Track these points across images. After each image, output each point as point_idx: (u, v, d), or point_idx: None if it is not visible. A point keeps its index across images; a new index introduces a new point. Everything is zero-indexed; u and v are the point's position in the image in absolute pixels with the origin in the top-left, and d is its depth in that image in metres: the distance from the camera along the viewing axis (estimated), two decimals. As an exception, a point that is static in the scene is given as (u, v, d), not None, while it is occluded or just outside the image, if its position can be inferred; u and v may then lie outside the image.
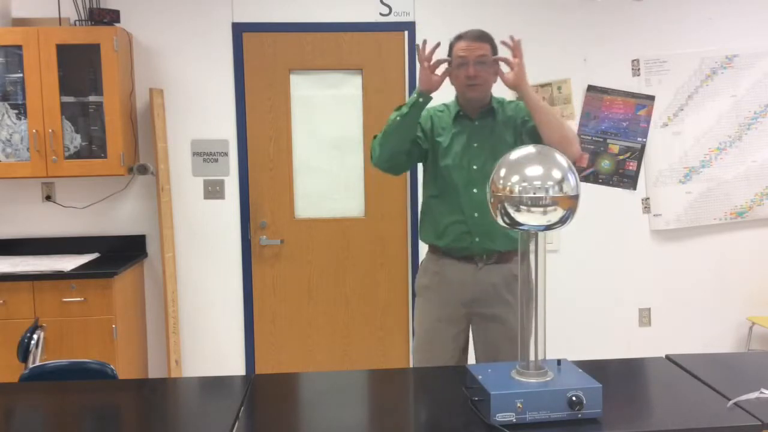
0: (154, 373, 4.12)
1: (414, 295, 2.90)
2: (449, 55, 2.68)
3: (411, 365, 2.84)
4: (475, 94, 2.65)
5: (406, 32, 4.09)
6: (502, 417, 1.69)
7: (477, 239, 2.64)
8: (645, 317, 4.37)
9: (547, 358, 1.85)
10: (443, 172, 2.68)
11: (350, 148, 4.15)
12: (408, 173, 4.09)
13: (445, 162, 2.68)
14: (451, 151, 2.68)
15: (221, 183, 4.10)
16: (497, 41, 2.68)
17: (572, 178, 1.76)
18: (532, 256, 1.82)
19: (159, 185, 3.92)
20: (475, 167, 2.65)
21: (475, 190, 2.64)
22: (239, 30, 4.04)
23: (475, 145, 2.67)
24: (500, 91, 2.72)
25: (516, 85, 2.57)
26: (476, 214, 2.63)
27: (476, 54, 2.59)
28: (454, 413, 1.83)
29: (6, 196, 4.01)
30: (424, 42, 2.59)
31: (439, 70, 2.62)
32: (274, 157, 4.12)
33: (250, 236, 4.14)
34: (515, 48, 2.57)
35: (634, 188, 4.27)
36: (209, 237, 4.11)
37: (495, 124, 2.69)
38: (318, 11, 4.05)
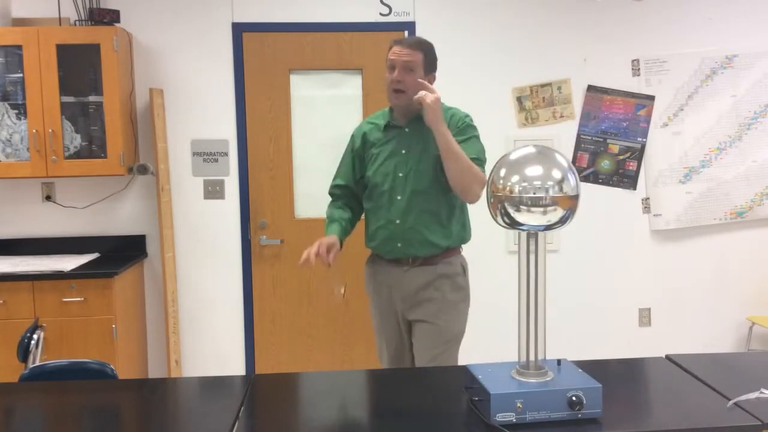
0: (154, 373, 4.12)
1: None
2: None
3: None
4: (398, 101, 2.66)
5: (406, 32, 4.09)
6: (502, 417, 1.69)
7: (399, 245, 2.70)
8: (645, 317, 4.37)
9: (547, 358, 1.85)
10: (373, 179, 2.74)
11: (350, 148, 4.15)
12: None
13: (373, 169, 2.74)
14: (380, 158, 2.73)
15: (221, 183, 4.10)
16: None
17: (572, 178, 1.76)
18: (532, 256, 1.82)
19: (159, 185, 3.92)
20: (400, 174, 2.69)
21: (398, 197, 2.68)
22: (239, 30, 4.04)
23: (403, 151, 2.70)
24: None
25: (428, 122, 2.56)
26: (398, 221, 2.68)
27: (403, 59, 2.62)
28: (454, 413, 1.83)
29: (6, 196, 4.01)
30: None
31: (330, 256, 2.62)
32: (274, 157, 4.12)
33: (250, 236, 4.14)
34: (426, 87, 2.59)
35: (634, 188, 4.27)
36: (209, 237, 4.11)
37: (425, 130, 2.63)
38: (318, 11, 4.05)
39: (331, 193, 2.93)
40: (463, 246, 2.84)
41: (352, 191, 2.86)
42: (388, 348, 2.85)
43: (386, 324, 2.84)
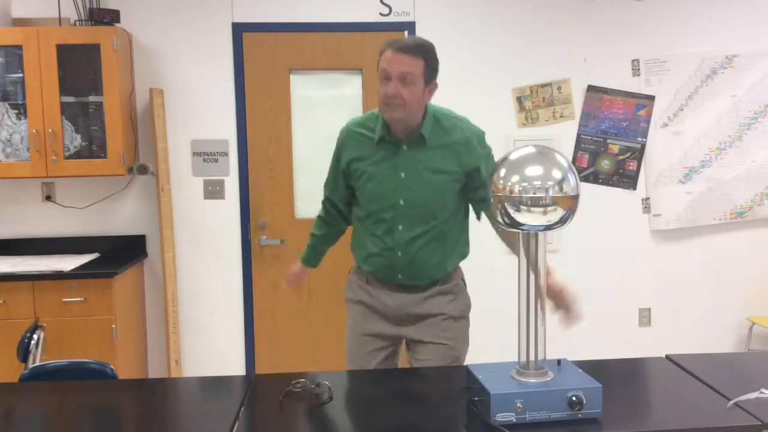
0: (154, 373, 4.12)
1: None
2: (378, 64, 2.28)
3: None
4: (392, 115, 2.24)
5: (406, 32, 4.08)
6: (502, 417, 1.69)
7: (400, 276, 2.39)
8: (645, 317, 4.37)
9: (547, 358, 1.85)
10: (367, 205, 2.38)
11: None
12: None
13: (369, 190, 2.36)
14: (375, 179, 2.34)
15: (221, 183, 4.10)
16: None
17: (572, 178, 1.76)
18: (532, 256, 1.82)
19: (159, 185, 3.92)
20: (401, 202, 2.32)
21: (400, 227, 2.33)
22: (239, 30, 4.04)
23: (402, 175, 2.31)
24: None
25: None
26: (400, 254, 2.35)
27: (400, 71, 2.19)
28: (454, 413, 1.83)
29: (6, 196, 4.01)
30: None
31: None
32: (274, 157, 4.12)
33: (250, 236, 4.14)
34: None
35: (634, 188, 4.27)
36: (209, 237, 4.11)
37: (428, 150, 2.31)
38: (318, 11, 4.05)
39: (325, 187, 2.63)
40: None
41: (337, 207, 2.59)
42: (364, 362, 2.49)
43: (367, 341, 2.48)
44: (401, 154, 2.32)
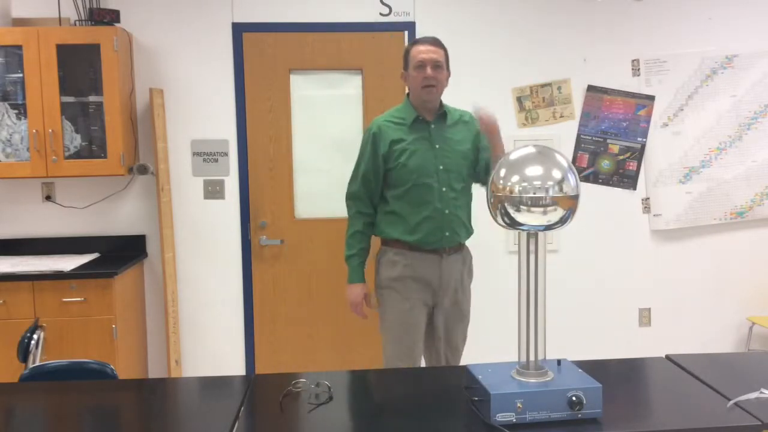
0: (154, 373, 4.12)
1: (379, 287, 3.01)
2: (405, 61, 2.90)
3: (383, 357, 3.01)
4: (430, 96, 2.84)
5: (406, 32, 4.09)
6: (502, 417, 1.69)
7: (447, 233, 2.87)
8: (645, 317, 4.37)
9: (547, 358, 1.85)
10: (411, 175, 2.84)
11: (350, 148, 4.12)
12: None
13: (413, 164, 2.84)
14: (417, 153, 2.84)
15: (221, 183, 4.10)
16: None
17: (572, 178, 1.76)
18: (532, 256, 1.82)
19: (159, 185, 3.92)
20: (441, 167, 2.85)
21: (444, 189, 2.86)
22: (239, 30, 4.04)
23: (437, 146, 2.87)
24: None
25: (488, 131, 2.84)
26: (447, 211, 2.86)
27: (433, 58, 2.81)
28: (454, 413, 1.83)
29: (6, 196, 4.01)
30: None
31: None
32: (274, 157, 4.12)
33: (250, 236, 4.14)
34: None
35: (634, 188, 4.27)
36: (209, 237, 4.11)
37: (449, 127, 2.91)
38: (318, 11, 4.05)
39: (353, 196, 2.97)
40: None
41: (371, 203, 2.96)
42: (416, 344, 2.91)
43: (418, 319, 2.91)
44: (432, 131, 2.88)
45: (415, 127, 2.88)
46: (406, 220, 2.87)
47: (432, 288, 2.91)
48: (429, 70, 2.80)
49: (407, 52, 2.89)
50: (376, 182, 2.91)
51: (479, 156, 2.95)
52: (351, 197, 2.97)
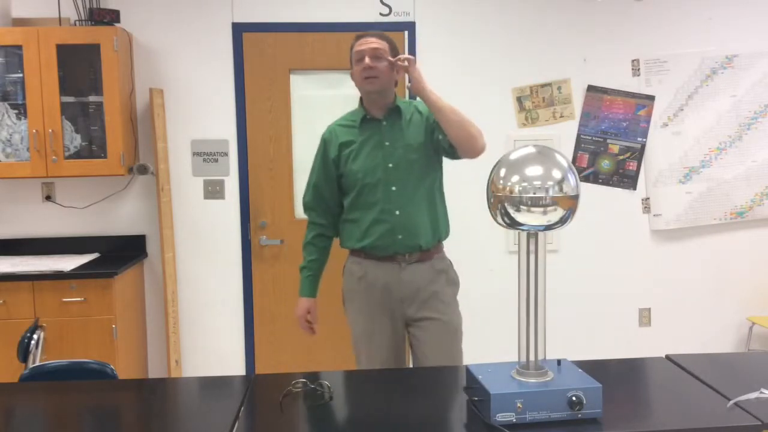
0: (154, 373, 4.12)
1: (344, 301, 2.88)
2: (350, 60, 2.69)
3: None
4: (372, 86, 2.63)
5: (406, 32, 4.09)
6: (502, 417, 1.69)
7: (400, 236, 2.64)
8: (645, 317, 4.37)
9: (547, 358, 1.85)
10: (358, 176, 2.66)
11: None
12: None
13: (358, 165, 2.66)
14: (363, 152, 2.67)
15: (221, 183, 4.10)
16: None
17: (572, 178, 1.76)
18: (532, 256, 1.82)
19: (159, 185, 3.92)
20: (390, 165, 2.65)
21: (393, 188, 2.64)
22: (239, 30, 4.04)
23: (387, 143, 2.67)
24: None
25: (415, 90, 2.59)
26: (397, 212, 2.64)
27: (371, 47, 2.61)
28: (454, 413, 1.83)
29: (6, 196, 4.01)
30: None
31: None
32: (274, 157, 4.12)
33: (250, 236, 4.14)
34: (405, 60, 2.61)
35: (634, 188, 4.27)
36: (209, 237, 4.11)
37: (403, 123, 2.69)
38: (318, 11, 4.05)
39: (306, 206, 2.82)
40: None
41: (328, 204, 2.78)
42: (379, 354, 2.70)
43: (378, 328, 2.71)
44: (383, 128, 2.69)
45: (365, 127, 2.70)
46: (359, 225, 2.68)
47: (396, 298, 2.69)
48: (367, 60, 2.59)
49: (351, 50, 2.69)
50: (330, 190, 2.75)
51: (434, 134, 2.70)
52: (305, 207, 2.83)
